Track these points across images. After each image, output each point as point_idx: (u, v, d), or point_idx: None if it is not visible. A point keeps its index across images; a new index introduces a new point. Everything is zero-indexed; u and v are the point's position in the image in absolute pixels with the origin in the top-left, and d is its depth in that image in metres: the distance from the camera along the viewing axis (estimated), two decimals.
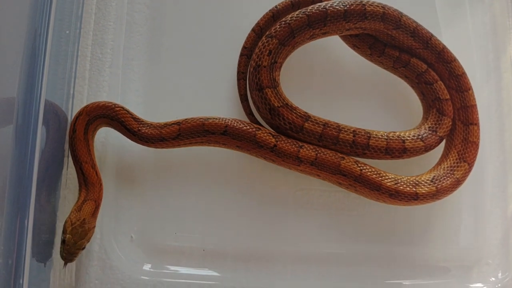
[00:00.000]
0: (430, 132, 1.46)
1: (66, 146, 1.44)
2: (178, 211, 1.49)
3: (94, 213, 1.33)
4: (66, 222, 1.30)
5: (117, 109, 1.41)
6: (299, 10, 1.45)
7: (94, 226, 1.34)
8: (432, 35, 1.49)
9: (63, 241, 1.28)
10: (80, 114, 1.38)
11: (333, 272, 1.49)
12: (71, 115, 1.47)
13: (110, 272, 1.45)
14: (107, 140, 1.50)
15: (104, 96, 1.52)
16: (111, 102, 1.41)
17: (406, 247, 1.50)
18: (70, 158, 1.40)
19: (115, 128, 1.43)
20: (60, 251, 1.28)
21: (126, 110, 1.42)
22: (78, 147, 1.36)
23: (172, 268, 1.46)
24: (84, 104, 1.45)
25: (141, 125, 1.41)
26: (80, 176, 1.36)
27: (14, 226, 1.17)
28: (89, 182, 1.35)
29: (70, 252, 1.27)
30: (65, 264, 1.29)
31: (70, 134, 1.38)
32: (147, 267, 1.46)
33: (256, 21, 1.51)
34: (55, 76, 1.43)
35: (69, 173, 1.45)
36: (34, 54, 1.24)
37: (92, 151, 1.39)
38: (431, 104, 1.48)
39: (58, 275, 1.41)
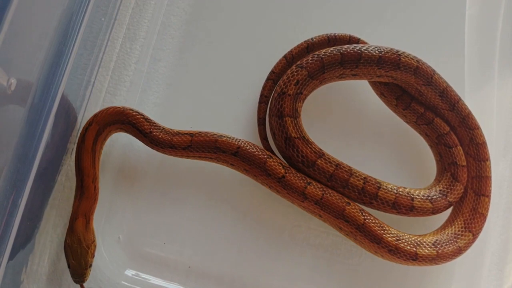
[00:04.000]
0: (440, 195, 1.43)
1: (68, 145, 1.42)
2: (171, 222, 1.45)
3: (87, 227, 1.29)
4: (64, 247, 1.27)
5: (128, 112, 1.37)
6: (334, 47, 1.44)
7: (94, 241, 1.29)
8: (460, 98, 1.48)
9: (69, 266, 1.26)
10: (90, 124, 1.34)
11: None
12: (86, 102, 1.45)
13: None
14: (117, 136, 1.47)
15: (124, 90, 1.50)
16: (121, 107, 1.38)
17: None
18: (70, 156, 1.38)
19: (127, 132, 1.40)
20: (71, 276, 1.26)
21: (137, 112, 1.38)
22: (84, 159, 1.31)
23: (154, 279, 1.42)
24: (102, 94, 1.43)
25: (153, 127, 1.38)
26: (78, 188, 1.32)
27: (6, 203, 1.13)
28: (84, 196, 1.31)
29: (78, 274, 1.25)
30: (81, 285, 1.27)
31: (78, 144, 1.33)
32: (128, 272, 1.42)
33: (289, 49, 1.50)
34: (78, 61, 1.41)
35: (70, 162, 1.42)
36: (66, 35, 1.21)
37: (97, 163, 1.35)
38: (447, 168, 1.46)
39: (38, 261, 1.37)
